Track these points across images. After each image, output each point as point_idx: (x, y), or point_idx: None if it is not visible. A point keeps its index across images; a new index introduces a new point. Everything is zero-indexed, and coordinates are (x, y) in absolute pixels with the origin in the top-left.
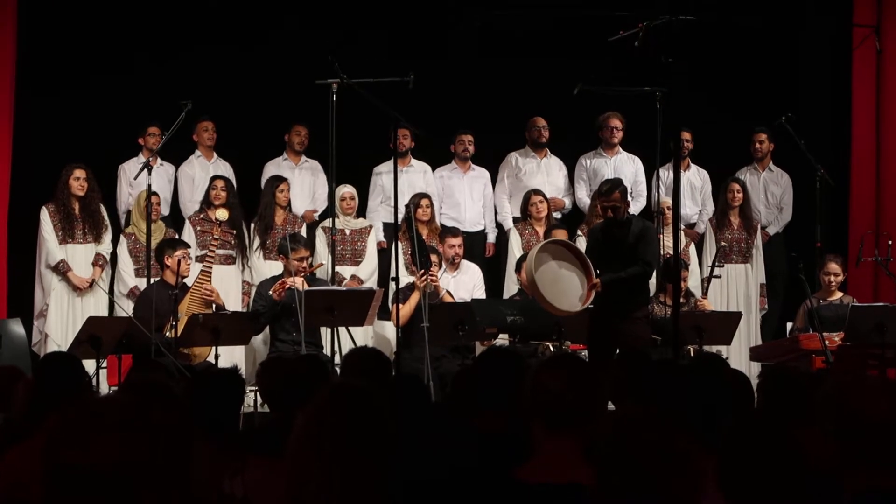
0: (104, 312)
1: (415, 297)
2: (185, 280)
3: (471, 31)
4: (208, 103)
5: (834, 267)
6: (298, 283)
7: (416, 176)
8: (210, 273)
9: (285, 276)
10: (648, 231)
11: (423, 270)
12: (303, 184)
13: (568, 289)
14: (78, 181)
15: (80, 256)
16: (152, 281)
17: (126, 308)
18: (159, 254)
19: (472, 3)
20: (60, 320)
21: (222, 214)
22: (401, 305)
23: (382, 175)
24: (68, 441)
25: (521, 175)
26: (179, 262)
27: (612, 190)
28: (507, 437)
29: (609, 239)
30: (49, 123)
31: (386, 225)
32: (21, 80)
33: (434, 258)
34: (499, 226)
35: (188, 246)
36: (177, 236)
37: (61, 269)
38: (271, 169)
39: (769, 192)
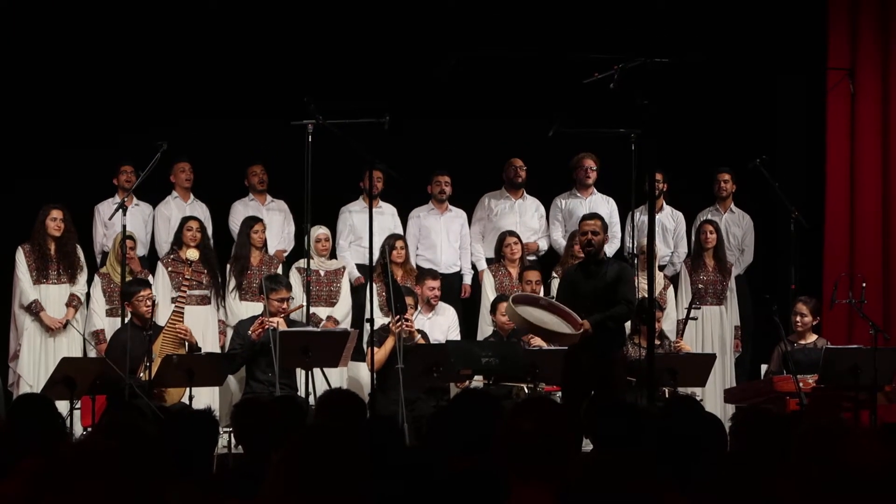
0: (77, 353)
1: (390, 342)
2: (153, 320)
3: (447, 72)
4: (183, 143)
5: (801, 308)
6: (280, 323)
7: (387, 218)
8: (182, 313)
9: (265, 317)
10: (626, 271)
11: (398, 316)
12: (271, 223)
13: (555, 326)
14: (55, 221)
15: (53, 297)
16: (125, 321)
17: (95, 349)
18: (123, 296)
19: (448, 45)
20: (33, 361)
21: (192, 255)
22: (376, 349)
23: (353, 214)
24: (51, 487)
25: (493, 216)
26: (138, 306)
27: (593, 216)
28: (481, 479)
29: (584, 280)
30: (26, 163)
31: (358, 266)
32: None
33: (409, 300)
34: (472, 267)
35: (144, 285)
36: (150, 277)
37: (34, 310)
38: (239, 209)
39: (731, 233)
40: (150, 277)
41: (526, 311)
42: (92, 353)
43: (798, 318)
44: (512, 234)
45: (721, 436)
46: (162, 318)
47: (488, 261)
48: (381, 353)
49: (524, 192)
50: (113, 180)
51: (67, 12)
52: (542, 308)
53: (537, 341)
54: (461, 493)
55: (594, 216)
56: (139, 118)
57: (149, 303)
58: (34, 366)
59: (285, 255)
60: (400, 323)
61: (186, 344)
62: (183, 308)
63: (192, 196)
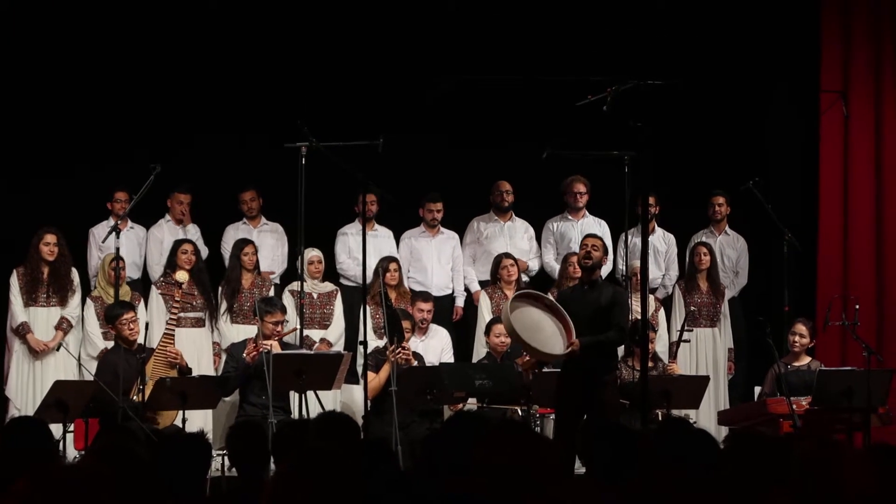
0: (67, 376)
1: (385, 370)
2: (145, 343)
3: (438, 95)
4: (176, 166)
5: (801, 328)
6: (274, 346)
7: (382, 241)
8: (173, 336)
9: (260, 339)
10: (620, 296)
11: (395, 345)
12: (263, 246)
13: (548, 338)
14: (48, 246)
15: (41, 319)
16: (116, 345)
17: (94, 371)
18: (107, 320)
19: (441, 68)
20: (21, 383)
21: (182, 276)
22: (372, 376)
23: (349, 237)
24: None
25: (482, 239)
26: (121, 330)
27: (596, 236)
28: (475, 501)
29: (580, 300)
30: (22, 184)
31: (351, 289)
32: None
33: (407, 324)
34: (465, 289)
35: (127, 308)
36: (140, 300)
37: (21, 332)
38: (231, 232)
39: (725, 255)
40: (140, 301)
41: (524, 312)
42: (87, 377)
43: (797, 339)
44: (508, 256)
45: (714, 452)
46: (156, 341)
47: (484, 283)
48: (376, 381)
49: (512, 215)
50: (107, 204)
51: (63, 38)
52: (544, 308)
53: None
54: None
55: (596, 236)
56: (134, 140)
57: (132, 326)
58: (22, 389)
59: (273, 276)
60: (398, 351)
61: (178, 367)
62: (173, 330)
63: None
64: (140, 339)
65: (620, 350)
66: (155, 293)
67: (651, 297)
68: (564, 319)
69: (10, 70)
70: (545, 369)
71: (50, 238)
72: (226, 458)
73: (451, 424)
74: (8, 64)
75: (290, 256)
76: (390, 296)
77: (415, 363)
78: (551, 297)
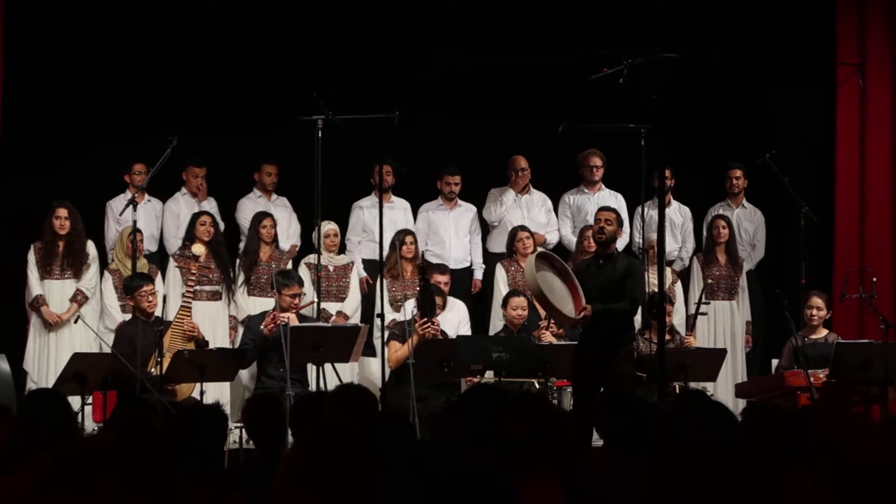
0: (83, 349)
1: (413, 341)
2: (164, 315)
3: (454, 70)
4: (192, 139)
5: (817, 301)
6: (291, 319)
7: (398, 213)
8: (189, 308)
9: (277, 312)
10: (635, 268)
11: (425, 319)
12: (279, 220)
13: (559, 299)
14: (59, 220)
15: (56, 292)
16: (129, 317)
17: (111, 344)
18: (126, 290)
19: (457, 44)
20: (36, 356)
21: (199, 249)
22: (398, 346)
23: (364, 210)
24: (61, 482)
25: (500, 211)
26: (139, 301)
27: (609, 209)
28: (492, 474)
29: (594, 274)
30: (36, 160)
31: (367, 262)
32: (8, 114)
33: (439, 300)
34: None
35: (147, 280)
36: (158, 272)
37: (36, 305)
38: (247, 204)
39: (742, 228)
40: (157, 274)
41: (543, 273)
42: (105, 349)
43: (814, 312)
44: (524, 228)
45: (732, 425)
46: (172, 313)
47: (500, 256)
48: (402, 351)
49: (530, 187)
50: (124, 177)
51: (77, 17)
52: (555, 271)
53: (547, 337)
54: (472, 488)
55: (610, 209)
56: (151, 113)
57: (151, 298)
58: (38, 361)
59: (296, 249)
60: (427, 326)
61: (195, 340)
62: (190, 303)
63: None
64: (157, 312)
65: (637, 322)
66: (172, 266)
67: (668, 270)
68: (573, 283)
69: (27, 45)
70: (561, 342)
71: (61, 212)
72: (243, 430)
73: (467, 397)
74: (25, 39)
75: (307, 229)
76: (405, 269)
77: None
78: (563, 262)
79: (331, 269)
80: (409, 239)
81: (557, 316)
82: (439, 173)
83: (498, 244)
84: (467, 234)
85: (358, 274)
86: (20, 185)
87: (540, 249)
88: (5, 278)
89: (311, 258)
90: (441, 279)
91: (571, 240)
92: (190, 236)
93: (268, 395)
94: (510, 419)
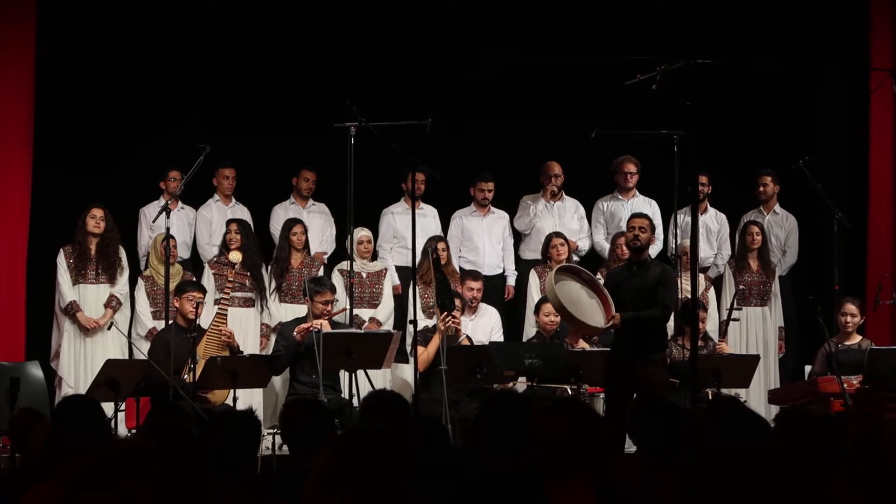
0: (117, 354)
1: (436, 341)
2: (198, 323)
3: (488, 75)
4: (226, 147)
5: (851, 308)
6: (324, 325)
7: (429, 220)
8: (225, 315)
9: (310, 319)
10: (668, 275)
11: (445, 312)
12: (312, 226)
13: (587, 311)
14: (94, 219)
15: (91, 297)
16: (168, 324)
17: (144, 350)
18: (176, 291)
19: (489, 48)
20: (72, 362)
21: (235, 257)
22: (422, 349)
23: (396, 216)
24: (89, 485)
25: (533, 219)
26: (184, 304)
27: (642, 216)
28: (525, 478)
29: (628, 281)
30: (70, 167)
31: (399, 268)
32: (42, 122)
33: (457, 303)
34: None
35: (198, 288)
36: (194, 279)
37: (70, 311)
38: (279, 212)
39: (773, 234)
40: (192, 279)
41: (566, 285)
42: (138, 356)
43: (848, 318)
44: (558, 235)
45: (764, 431)
46: (207, 320)
47: (534, 262)
48: (426, 354)
49: (563, 194)
50: (160, 184)
51: (112, 22)
52: (582, 282)
53: (582, 344)
54: (504, 493)
55: (643, 216)
56: (185, 121)
57: (196, 307)
58: (73, 367)
59: (326, 256)
60: (448, 319)
61: (230, 347)
62: (226, 310)
63: (233, 199)
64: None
65: (670, 329)
66: (208, 272)
67: (701, 276)
68: (602, 293)
69: (61, 53)
70: (593, 349)
71: (97, 212)
72: (276, 436)
73: (493, 402)
74: (58, 46)
75: (340, 236)
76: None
77: (463, 335)
78: (590, 274)
79: (364, 275)
80: (441, 245)
81: (582, 328)
82: (473, 180)
83: (531, 251)
84: (500, 241)
85: (391, 281)
86: (52, 191)
87: (565, 264)
88: (37, 284)
89: (344, 265)
90: (474, 285)
91: (604, 246)
92: (224, 243)
93: (304, 401)
94: (552, 420)
